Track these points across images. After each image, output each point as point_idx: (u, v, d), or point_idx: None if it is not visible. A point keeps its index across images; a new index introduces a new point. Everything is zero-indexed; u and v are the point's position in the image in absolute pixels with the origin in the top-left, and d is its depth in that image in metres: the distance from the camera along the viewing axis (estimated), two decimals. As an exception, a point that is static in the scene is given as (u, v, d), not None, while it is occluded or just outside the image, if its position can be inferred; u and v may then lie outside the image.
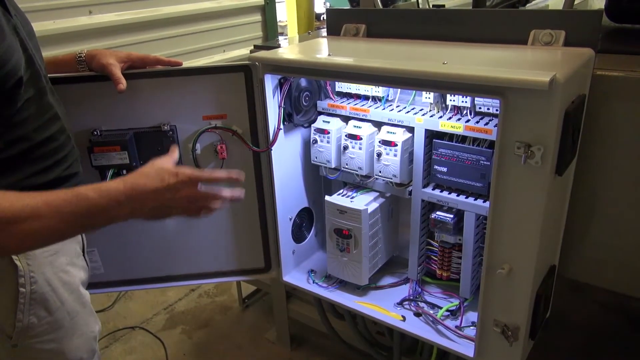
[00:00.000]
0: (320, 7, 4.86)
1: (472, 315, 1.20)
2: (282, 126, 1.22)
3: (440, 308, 1.22)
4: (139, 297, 2.38)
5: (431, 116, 1.14)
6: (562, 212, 1.13)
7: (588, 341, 1.47)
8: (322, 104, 1.31)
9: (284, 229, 1.33)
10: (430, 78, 0.92)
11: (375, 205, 1.26)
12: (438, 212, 1.21)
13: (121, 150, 1.13)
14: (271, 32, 3.26)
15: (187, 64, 1.17)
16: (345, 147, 1.25)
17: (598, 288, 1.22)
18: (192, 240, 1.30)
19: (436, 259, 1.29)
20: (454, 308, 1.22)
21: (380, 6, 2.17)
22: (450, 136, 1.14)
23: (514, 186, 0.90)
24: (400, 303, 1.27)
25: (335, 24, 1.35)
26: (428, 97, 1.17)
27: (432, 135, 1.17)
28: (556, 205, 1.06)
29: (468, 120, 1.10)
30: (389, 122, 1.20)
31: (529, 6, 2.27)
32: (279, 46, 1.81)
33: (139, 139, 1.16)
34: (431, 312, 1.22)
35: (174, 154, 0.95)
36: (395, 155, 1.18)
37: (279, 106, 1.20)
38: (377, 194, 1.29)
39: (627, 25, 1.53)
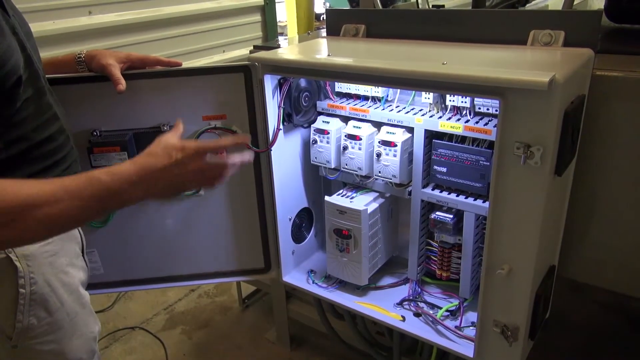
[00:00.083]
0: (320, 7, 4.86)
1: (472, 316, 1.20)
2: (281, 126, 1.22)
3: (440, 308, 1.22)
4: (138, 297, 2.38)
5: (431, 116, 1.14)
6: (561, 213, 1.13)
7: (588, 341, 1.47)
8: (322, 104, 1.31)
9: (283, 229, 1.33)
10: (430, 78, 0.92)
11: (374, 205, 1.26)
12: (438, 213, 1.21)
13: (121, 151, 1.13)
14: (271, 32, 3.26)
15: (186, 64, 1.17)
16: (345, 148, 1.26)
17: (598, 288, 1.22)
18: (191, 241, 1.30)
19: (436, 259, 1.29)
20: (453, 308, 1.22)
21: (380, 6, 2.17)
22: (449, 136, 1.14)
23: (514, 186, 0.90)
24: (400, 303, 1.27)
25: (335, 24, 1.35)
26: (427, 97, 1.17)
27: (431, 136, 1.17)
28: (556, 206, 1.06)
29: (467, 121, 1.10)
30: (389, 122, 1.20)
31: (528, 6, 2.27)
32: (278, 46, 1.81)
33: (138, 139, 1.16)
34: (431, 312, 1.22)
35: (179, 127, 0.94)
36: (394, 156, 1.18)
37: (279, 106, 1.20)
38: (377, 194, 1.29)
39: (627, 25, 1.53)
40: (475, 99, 1.09)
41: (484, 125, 1.07)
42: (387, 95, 1.25)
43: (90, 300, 1.05)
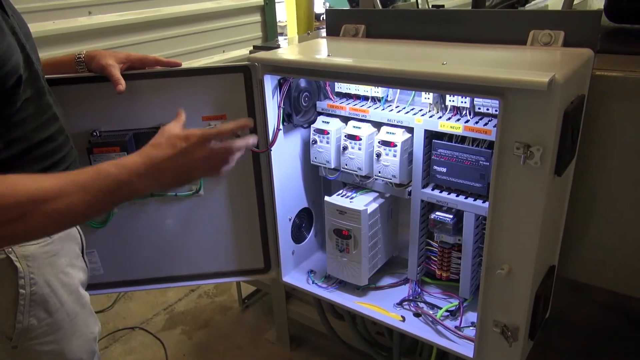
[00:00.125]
0: (319, 7, 4.86)
1: (472, 316, 1.20)
2: (281, 127, 1.22)
3: (440, 308, 1.22)
4: (138, 297, 2.38)
5: (430, 117, 1.14)
6: (561, 213, 1.13)
7: (588, 341, 1.48)
8: (322, 105, 1.31)
9: (283, 229, 1.33)
10: (430, 78, 0.92)
11: (374, 205, 1.26)
12: (437, 213, 1.21)
13: (121, 151, 1.13)
14: (271, 32, 3.26)
15: (186, 64, 1.17)
16: (345, 148, 1.26)
17: (598, 288, 1.22)
18: (191, 241, 1.30)
19: (436, 259, 1.29)
20: (453, 308, 1.22)
21: (380, 6, 2.17)
22: (449, 136, 1.14)
23: (513, 186, 0.90)
24: (400, 303, 1.27)
25: (335, 24, 1.35)
26: (427, 97, 1.17)
27: (431, 136, 1.17)
28: (555, 206, 1.06)
29: (467, 121, 1.10)
30: (389, 122, 1.20)
31: (528, 6, 2.28)
32: (278, 46, 1.81)
33: (138, 139, 1.16)
34: (431, 312, 1.22)
35: (181, 117, 0.95)
36: (394, 156, 1.18)
37: (279, 107, 1.20)
38: (377, 194, 1.29)
39: (627, 25, 1.53)
40: (475, 99, 1.09)
41: (484, 125, 1.07)
42: (387, 96, 1.25)
43: (90, 301, 1.05)
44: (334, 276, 1.34)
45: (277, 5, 3.28)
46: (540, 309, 1.02)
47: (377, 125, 1.23)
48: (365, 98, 1.27)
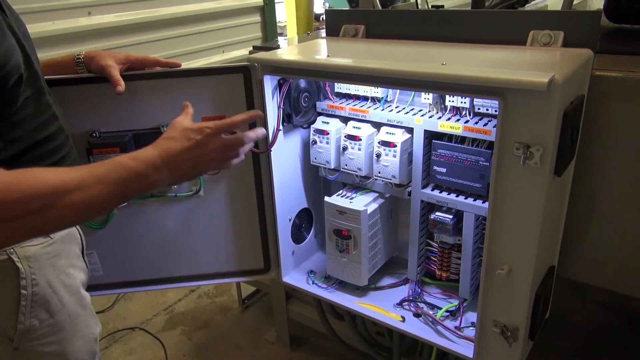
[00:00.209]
0: (319, 7, 4.86)
1: (472, 316, 1.20)
2: (281, 127, 1.22)
3: (440, 308, 1.22)
4: (138, 298, 2.38)
5: (430, 117, 1.14)
6: (561, 213, 1.13)
7: (588, 341, 1.48)
8: (322, 105, 1.31)
9: (283, 229, 1.33)
10: (429, 79, 0.92)
11: (374, 206, 1.26)
12: (437, 213, 1.21)
13: (120, 152, 1.13)
14: (270, 32, 3.26)
15: (186, 65, 1.17)
16: (345, 148, 1.26)
17: (597, 288, 1.22)
18: (191, 241, 1.30)
19: (435, 259, 1.29)
20: (453, 308, 1.22)
21: (379, 7, 2.17)
22: (449, 137, 1.14)
23: (513, 187, 0.90)
24: (400, 304, 1.27)
25: (334, 24, 1.35)
26: (427, 97, 1.17)
27: (431, 136, 1.17)
28: (555, 206, 1.06)
29: (467, 121, 1.10)
30: (388, 122, 1.20)
31: (527, 7, 2.28)
32: (278, 47, 1.81)
33: (138, 140, 1.16)
34: (431, 312, 1.22)
35: (189, 110, 0.96)
36: (394, 156, 1.18)
37: (278, 107, 1.20)
38: (377, 194, 1.30)
39: (626, 25, 1.53)
40: (475, 99, 1.09)
41: (484, 125, 1.07)
42: (387, 96, 1.25)
43: (90, 301, 1.05)
44: (333, 276, 1.34)
45: (276, 5, 3.28)
46: (540, 309, 1.02)
47: (377, 125, 1.23)
48: (365, 98, 1.27)
